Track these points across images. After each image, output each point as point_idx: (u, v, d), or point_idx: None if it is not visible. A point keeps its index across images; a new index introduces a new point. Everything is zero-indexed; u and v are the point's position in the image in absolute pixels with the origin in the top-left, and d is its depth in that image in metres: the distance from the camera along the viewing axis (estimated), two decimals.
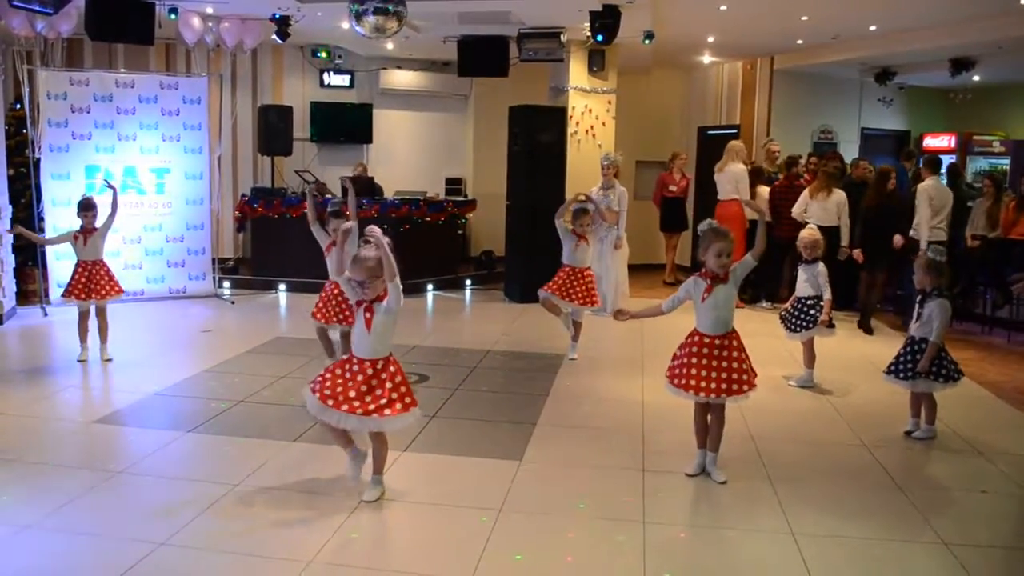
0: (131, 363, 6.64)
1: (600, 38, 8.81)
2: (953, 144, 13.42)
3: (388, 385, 3.92)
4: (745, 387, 4.32)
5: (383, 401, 3.88)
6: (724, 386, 4.26)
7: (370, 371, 3.91)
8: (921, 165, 8.81)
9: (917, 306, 5.15)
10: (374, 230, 3.83)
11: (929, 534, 3.82)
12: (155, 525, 3.69)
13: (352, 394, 3.87)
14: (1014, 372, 7.04)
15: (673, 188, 11.42)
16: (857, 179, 9.60)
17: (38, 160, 8.78)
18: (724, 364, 4.29)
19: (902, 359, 5.13)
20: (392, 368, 3.97)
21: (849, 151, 12.06)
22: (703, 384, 4.28)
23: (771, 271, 9.56)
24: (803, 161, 9.90)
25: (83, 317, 6.63)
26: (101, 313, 6.66)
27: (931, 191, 8.26)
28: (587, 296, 6.92)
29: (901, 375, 5.11)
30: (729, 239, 4.34)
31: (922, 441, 5.13)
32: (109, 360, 6.62)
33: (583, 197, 7.20)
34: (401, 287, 3.88)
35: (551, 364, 6.90)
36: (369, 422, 3.89)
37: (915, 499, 4.22)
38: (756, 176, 9.81)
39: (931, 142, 13.51)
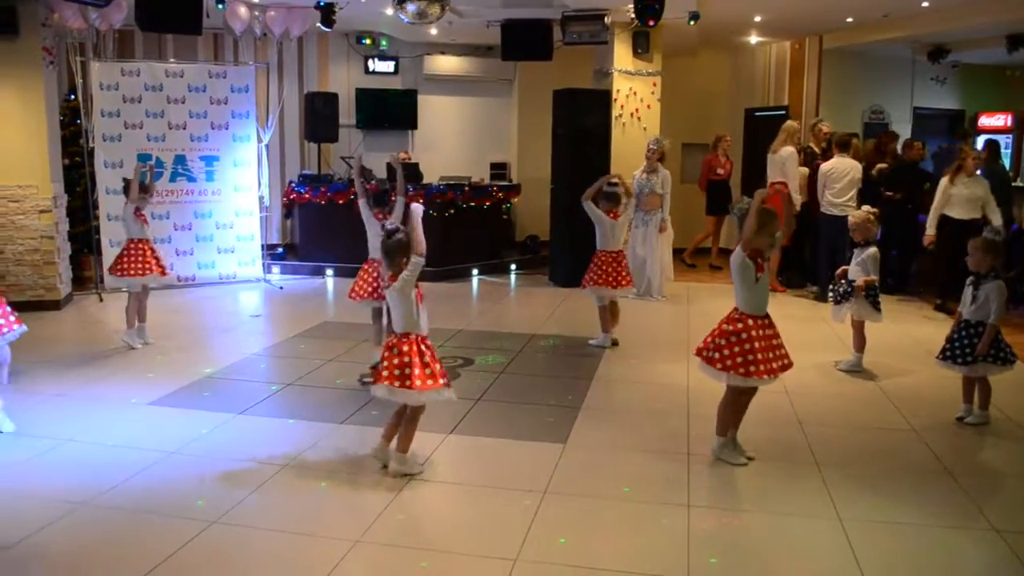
0: (183, 347, 6.79)
1: (650, 21, 8.70)
2: (1010, 123, 13.05)
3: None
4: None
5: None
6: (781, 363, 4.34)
7: (422, 346, 4.11)
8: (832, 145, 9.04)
9: (971, 289, 5.03)
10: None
11: (980, 521, 3.75)
12: (208, 503, 3.79)
13: (417, 370, 4.06)
14: None
15: (720, 171, 11.30)
16: (910, 160, 9.41)
17: (92, 149, 8.99)
18: (776, 343, 4.35)
19: (957, 343, 5.02)
20: (407, 347, 4.09)
21: (901, 131, 11.76)
22: (772, 366, 4.32)
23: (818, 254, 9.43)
24: (855, 142, 9.60)
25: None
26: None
27: (825, 168, 8.82)
28: (625, 278, 6.90)
29: (959, 360, 4.99)
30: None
31: (973, 426, 5.03)
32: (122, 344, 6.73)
33: (615, 180, 7.09)
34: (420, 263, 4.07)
35: (596, 348, 6.89)
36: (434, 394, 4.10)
37: (966, 485, 4.14)
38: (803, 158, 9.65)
39: (987, 121, 13.15)
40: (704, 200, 11.46)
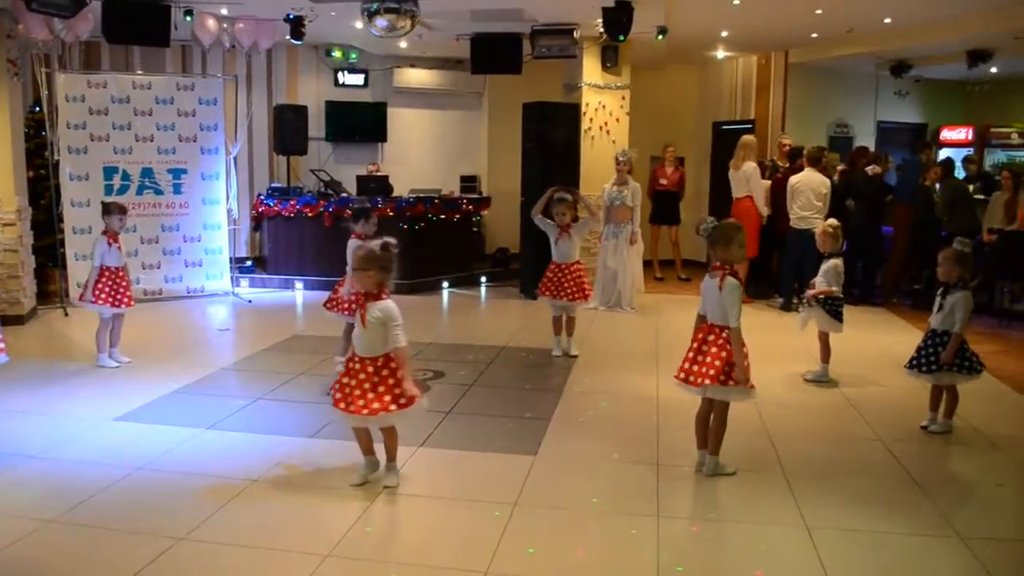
0: (150, 361, 6.70)
1: (620, 37, 8.76)
2: (970, 136, 13.31)
3: (390, 381, 4.02)
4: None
5: (387, 398, 4.00)
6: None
7: (371, 369, 4.02)
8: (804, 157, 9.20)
9: (939, 298, 5.12)
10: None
11: (946, 529, 3.80)
12: (174, 520, 3.74)
13: (358, 393, 3.99)
14: None
15: (664, 181, 11.44)
16: (873, 173, 9.57)
17: (57, 162, 8.87)
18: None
19: (923, 352, 5.10)
20: (392, 364, 4.05)
21: (865, 145, 11.99)
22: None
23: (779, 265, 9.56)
24: (826, 156, 9.73)
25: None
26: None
27: (792, 181, 8.94)
28: (576, 291, 6.88)
29: (924, 368, 5.07)
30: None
31: (939, 435, 5.10)
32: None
33: (562, 192, 7.10)
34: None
35: (565, 360, 6.91)
36: (375, 420, 4.03)
37: (932, 494, 4.20)
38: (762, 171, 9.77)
39: (948, 135, 13.41)
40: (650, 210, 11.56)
